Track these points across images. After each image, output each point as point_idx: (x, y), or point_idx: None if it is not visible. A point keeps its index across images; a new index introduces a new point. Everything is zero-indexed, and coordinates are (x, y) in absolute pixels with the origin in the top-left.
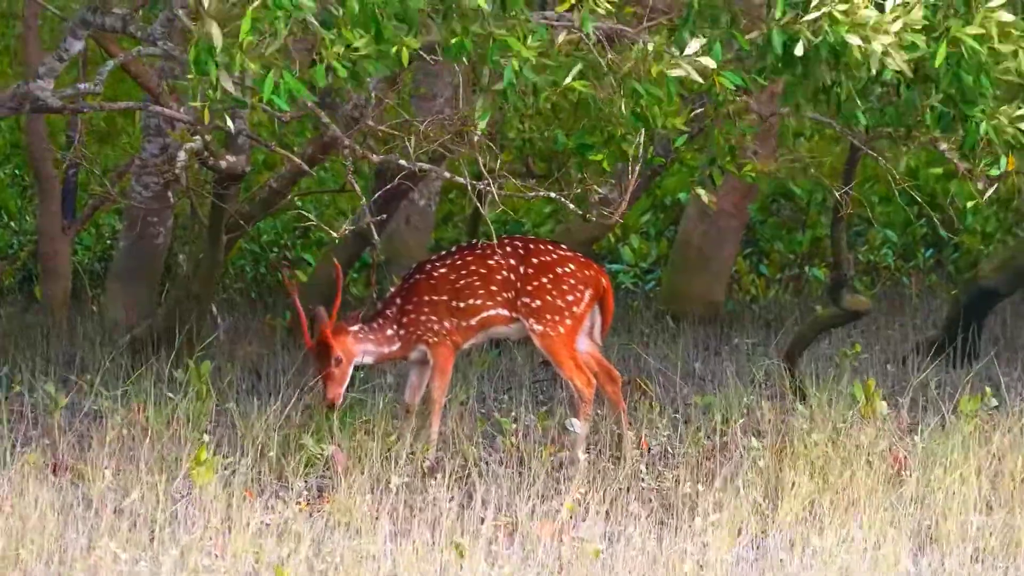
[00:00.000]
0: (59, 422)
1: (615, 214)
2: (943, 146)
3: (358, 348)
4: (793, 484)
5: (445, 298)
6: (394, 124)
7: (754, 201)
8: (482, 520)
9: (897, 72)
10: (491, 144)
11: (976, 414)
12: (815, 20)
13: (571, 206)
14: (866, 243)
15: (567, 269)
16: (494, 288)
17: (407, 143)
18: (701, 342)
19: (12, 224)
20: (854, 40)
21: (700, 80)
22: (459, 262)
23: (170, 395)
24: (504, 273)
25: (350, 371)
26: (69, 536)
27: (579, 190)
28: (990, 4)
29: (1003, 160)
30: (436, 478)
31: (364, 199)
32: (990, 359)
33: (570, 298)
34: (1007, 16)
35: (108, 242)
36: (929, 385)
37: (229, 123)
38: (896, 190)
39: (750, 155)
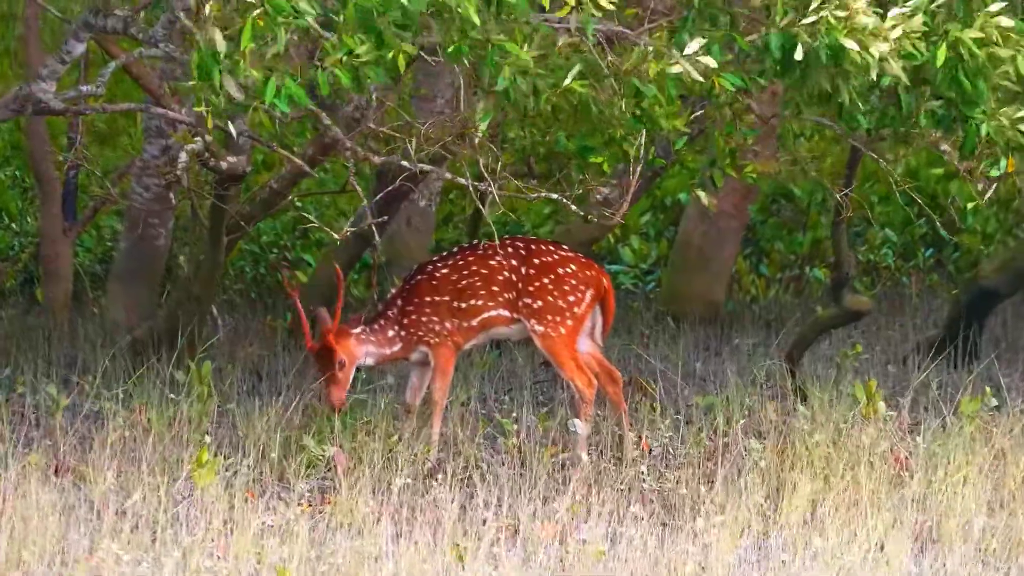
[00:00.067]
0: (60, 423)
1: (616, 215)
2: (944, 147)
3: (360, 350)
4: (795, 485)
5: (446, 299)
6: (395, 126)
7: (754, 202)
8: (484, 521)
9: (895, 77)
10: (491, 146)
11: (977, 415)
12: (813, 24)
13: (573, 207)
14: (866, 243)
15: (568, 270)
16: (495, 289)
17: (408, 145)
18: (701, 343)
19: (13, 226)
20: (851, 45)
21: (700, 79)
22: (460, 263)
23: (172, 396)
24: (505, 274)
25: (352, 373)
26: (71, 538)
27: (580, 191)
28: (990, 8)
29: (1003, 161)
30: (437, 479)
31: (365, 200)
32: (991, 360)
33: (571, 299)
34: (1007, 21)
35: (109, 244)
36: (930, 386)
37: (232, 128)
38: (896, 190)
39: (750, 157)
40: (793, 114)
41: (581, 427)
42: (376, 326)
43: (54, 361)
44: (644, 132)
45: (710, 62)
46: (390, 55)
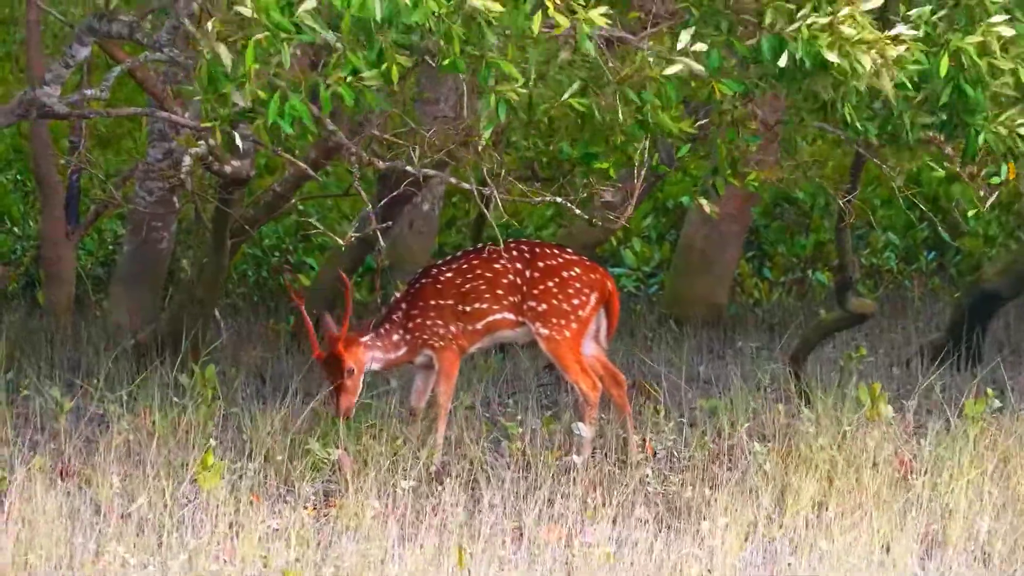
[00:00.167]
0: (65, 427)
1: (620, 219)
2: (947, 149)
3: (368, 356)
4: (799, 488)
5: (451, 302)
6: (398, 132)
7: (757, 205)
8: (489, 525)
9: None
10: (494, 153)
11: (982, 417)
12: (797, 31)
13: (577, 211)
14: (868, 246)
15: (573, 273)
16: (500, 292)
17: (412, 152)
18: (705, 346)
19: (15, 229)
20: (832, 57)
21: (700, 69)
22: (465, 266)
23: (176, 400)
24: (510, 277)
25: (361, 380)
26: (77, 541)
27: (584, 195)
28: (992, 20)
29: (1004, 168)
30: (442, 483)
31: (369, 205)
32: (995, 363)
33: (576, 302)
34: (1007, 30)
35: (111, 247)
36: (934, 389)
37: (238, 139)
38: (899, 193)
39: (753, 164)
40: (796, 121)
41: (585, 430)
42: (381, 331)
43: (57, 364)
44: (647, 137)
45: (702, 62)
46: (384, 66)
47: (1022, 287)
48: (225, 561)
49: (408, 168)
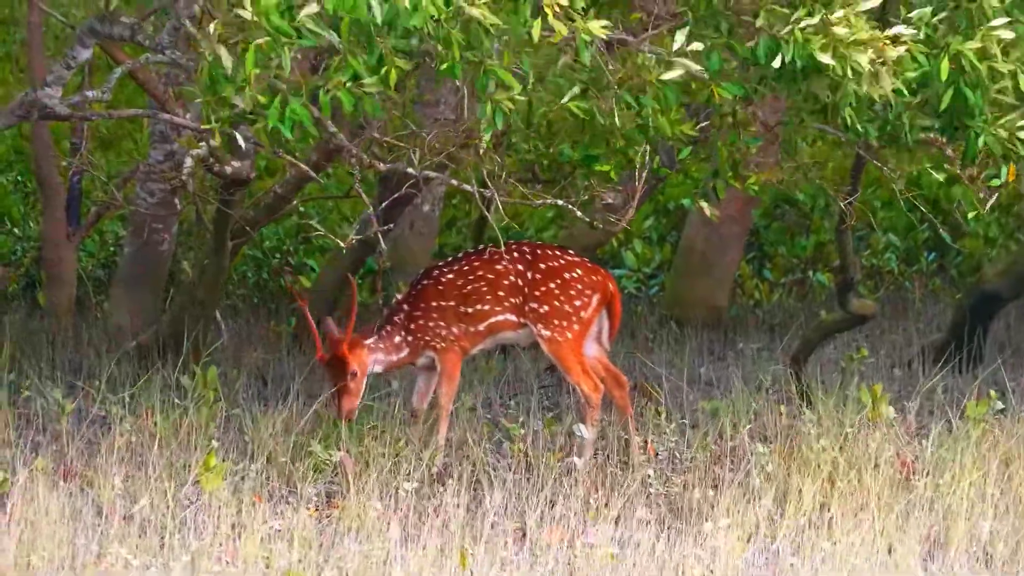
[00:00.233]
0: (67, 428)
1: (621, 221)
2: (948, 151)
3: (371, 359)
4: (801, 489)
5: (453, 304)
6: (399, 135)
7: (757, 207)
8: (492, 526)
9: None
10: (495, 156)
11: (984, 418)
12: (790, 34)
13: (579, 213)
14: (869, 248)
15: (574, 274)
16: (502, 293)
17: (412, 154)
18: (706, 347)
19: (16, 230)
20: (825, 59)
21: (700, 73)
22: (466, 268)
23: (178, 401)
24: (512, 278)
25: (364, 383)
26: (79, 543)
27: (585, 197)
28: (992, 23)
29: (1004, 170)
30: (444, 484)
31: (370, 207)
32: (996, 364)
33: (577, 303)
34: (1007, 34)
35: (112, 249)
36: (935, 390)
37: (240, 140)
38: (899, 195)
39: (753, 166)
40: (797, 122)
41: (587, 432)
42: (383, 333)
43: (58, 365)
44: (648, 140)
45: (702, 64)
46: (383, 70)
47: (1023, 288)
48: (227, 562)
49: (409, 170)
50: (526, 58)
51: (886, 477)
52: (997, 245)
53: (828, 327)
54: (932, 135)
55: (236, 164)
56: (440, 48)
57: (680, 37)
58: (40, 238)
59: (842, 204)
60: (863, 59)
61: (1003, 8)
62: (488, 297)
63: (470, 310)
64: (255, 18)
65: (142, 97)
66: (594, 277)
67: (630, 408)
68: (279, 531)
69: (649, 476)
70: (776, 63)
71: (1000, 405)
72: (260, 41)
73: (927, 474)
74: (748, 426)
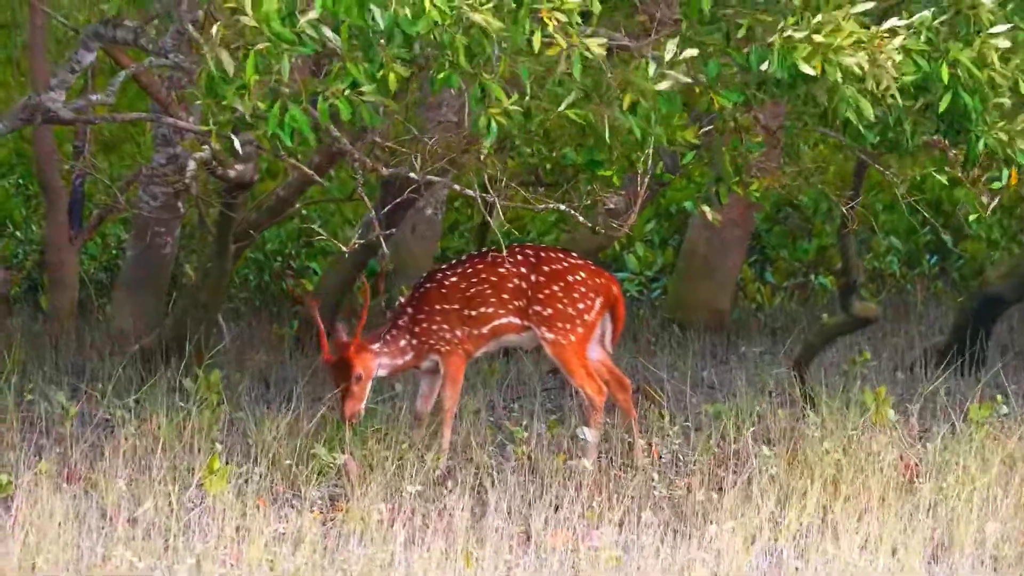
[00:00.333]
0: (71, 432)
1: (624, 227)
2: (950, 153)
3: (376, 363)
4: (805, 492)
5: (456, 307)
6: (401, 140)
7: (759, 210)
8: (496, 529)
9: (895, 92)
10: (496, 161)
11: (987, 421)
12: (773, 43)
13: (581, 218)
14: (871, 251)
15: (578, 277)
16: (505, 296)
17: (414, 159)
18: (708, 350)
19: (17, 234)
20: (807, 69)
21: (691, 83)
22: (470, 270)
23: (182, 404)
24: (515, 281)
25: (368, 386)
26: (84, 545)
27: (588, 202)
28: (992, 30)
29: (1005, 174)
30: (448, 487)
31: (372, 211)
32: (998, 366)
33: (581, 306)
34: (1004, 43)
35: (114, 252)
36: (938, 393)
37: (238, 145)
38: (901, 200)
39: (755, 171)
40: (799, 126)
41: (591, 435)
42: (388, 337)
43: (62, 369)
44: (651, 145)
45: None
46: (379, 74)
47: None
48: (232, 565)
49: (411, 175)
50: (524, 67)
51: (890, 480)
52: (999, 248)
53: (830, 330)
54: (935, 137)
55: (239, 167)
56: (438, 57)
57: (671, 47)
58: (42, 241)
59: (844, 209)
60: (852, 61)
61: (1004, 15)
62: (492, 300)
63: (474, 313)
64: (254, 23)
65: (143, 100)
66: (598, 280)
67: (634, 411)
68: (283, 534)
69: (653, 479)
70: (765, 70)
71: (1004, 409)
72: (261, 47)
73: (931, 477)
74: (751, 429)
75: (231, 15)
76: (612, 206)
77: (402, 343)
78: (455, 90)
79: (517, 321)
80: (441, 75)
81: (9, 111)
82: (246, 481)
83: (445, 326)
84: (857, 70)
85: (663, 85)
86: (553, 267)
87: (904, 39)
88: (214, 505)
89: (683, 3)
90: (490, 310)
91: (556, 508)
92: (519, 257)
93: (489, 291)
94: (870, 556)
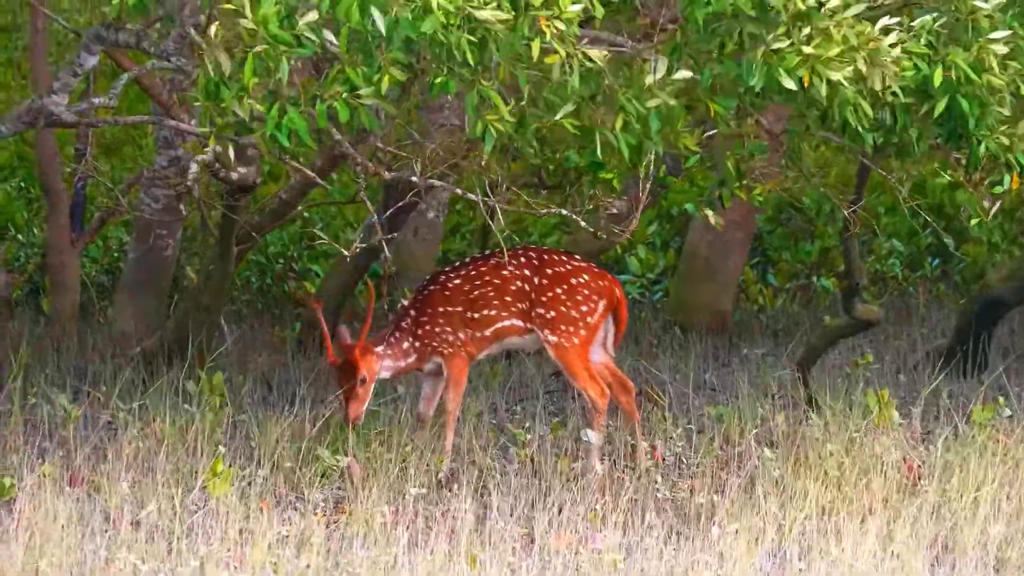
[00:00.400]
0: (73, 434)
1: (625, 232)
2: (953, 156)
3: (379, 365)
4: (808, 494)
5: (459, 309)
6: (402, 145)
7: (762, 212)
8: (500, 531)
9: (894, 94)
10: (497, 167)
11: (990, 423)
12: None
13: (583, 223)
14: (872, 253)
15: (581, 280)
16: (508, 299)
17: (415, 164)
18: (710, 353)
19: (19, 237)
20: (789, 84)
21: (685, 95)
22: (473, 273)
23: (186, 407)
24: (518, 284)
25: (372, 389)
26: (87, 548)
27: (591, 206)
28: (991, 36)
29: (1007, 178)
30: (451, 489)
31: (374, 214)
32: (1000, 369)
33: (584, 309)
34: (1002, 48)
35: (115, 254)
36: (940, 395)
37: (231, 152)
38: (903, 203)
39: (757, 174)
40: (802, 129)
41: (594, 437)
42: (391, 339)
43: (64, 371)
44: (649, 154)
45: (672, 101)
46: (376, 77)
47: None
48: (235, 568)
49: (413, 179)
50: (523, 74)
51: (893, 482)
52: (1000, 251)
53: (833, 333)
54: (939, 140)
55: (242, 170)
56: (436, 63)
57: (662, 67)
58: (44, 244)
59: (846, 212)
60: (838, 76)
61: (1005, 21)
62: (495, 302)
63: (477, 315)
64: (255, 26)
65: (144, 103)
66: (601, 282)
67: (637, 413)
68: (287, 537)
69: (656, 481)
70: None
71: (1006, 411)
72: (259, 49)
73: (934, 479)
74: (754, 431)
75: (233, 18)
76: (615, 211)
77: (405, 345)
78: (451, 96)
79: (520, 324)
80: (439, 80)
81: (11, 114)
82: (249, 484)
83: (448, 328)
84: (845, 84)
85: (653, 103)
86: (556, 270)
87: (899, 36)
88: (217, 508)
89: (683, 8)
90: (493, 312)
91: (559, 510)
92: (522, 260)
93: (492, 293)
94: (873, 558)
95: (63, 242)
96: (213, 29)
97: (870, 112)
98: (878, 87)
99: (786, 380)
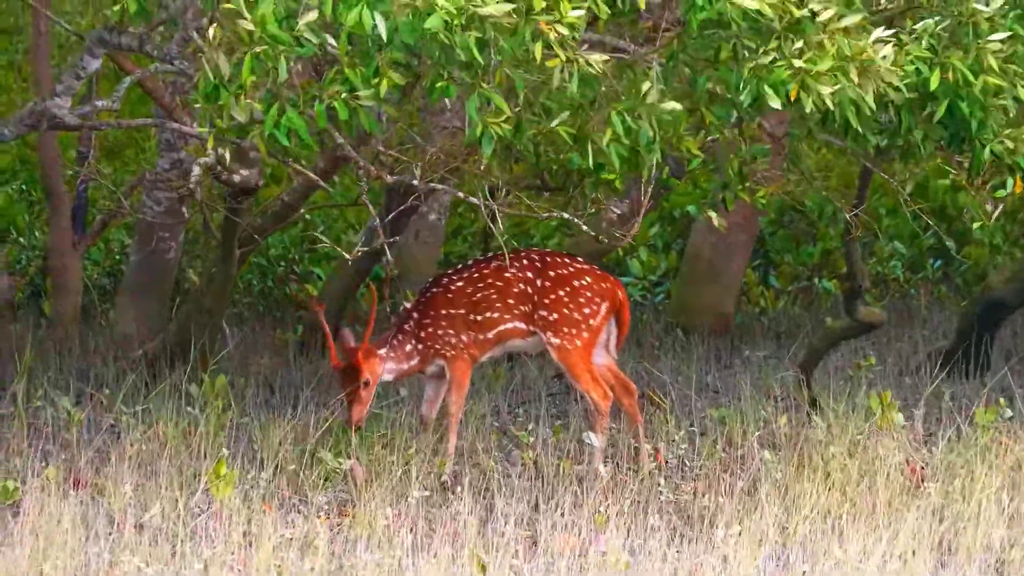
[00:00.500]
0: (77, 437)
1: (627, 235)
2: (956, 158)
3: (382, 368)
4: (810, 496)
5: (462, 312)
6: (404, 148)
7: (764, 214)
8: (503, 534)
9: (897, 90)
10: (498, 172)
11: (993, 425)
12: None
13: (584, 227)
14: (874, 255)
15: (584, 282)
16: (511, 301)
17: (415, 168)
18: (712, 355)
19: (21, 240)
20: (775, 104)
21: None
22: (476, 275)
23: (189, 409)
24: (521, 286)
25: (374, 391)
26: (91, 551)
27: (593, 210)
28: (991, 38)
29: (1009, 182)
30: (454, 492)
31: (376, 216)
32: (1002, 371)
33: (587, 311)
34: (1000, 48)
35: (117, 257)
36: (943, 397)
37: (227, 155)
38: (905, 205)
39: (760, 178)
40: (804, 132)
41: (596, 439)
42: (394, 342)
43: (67, 374)
44: (646, 165)
45: (676, 106)
46: (375, 81)
47: None
48: (239, 571)
49: (415, 182)
50: (520, 79)
51: (896, 484)
52: (1002, 253)
53: (835, 335)
54: (941, 142)
55: (244, 172)
56: (435, 66)
57: (653, 95)
58: (46, 247)
59: (848, 215)
60: (828, 92)
61: (1005, 24)
62: (497, 305)
63: (479, 318)
64: (253, 27)
65: (145, 105)
66: (603, 285)
67: (639, 416)
68: (290, 540)
69: (659, 484)
70: (743, 98)
71: (1009, 413)
72: (258, 49)
73: (937, 481)
74: (757, 433)
75: (233, 19)
76: (617, 214)
77: (408, 348)
78: (450, 100)
79: (523, 326)
80: (439, 85)
81: (14, 117)
82: (253, 486)
83: (451, 331)
84: (831, 102)
85: (647, 113)
86: (559, 272)
87: (901, 39)
88: (221, 511)
89: (684, 12)
90: (496, 315)
91: (563, 513)
92: (525, 262)
93: (495, 296)
94: (877, 560)
95: (65, 245)
96: (212, 31)
97: (874, 107)
98: (870, 100)
99: (788, 382)
